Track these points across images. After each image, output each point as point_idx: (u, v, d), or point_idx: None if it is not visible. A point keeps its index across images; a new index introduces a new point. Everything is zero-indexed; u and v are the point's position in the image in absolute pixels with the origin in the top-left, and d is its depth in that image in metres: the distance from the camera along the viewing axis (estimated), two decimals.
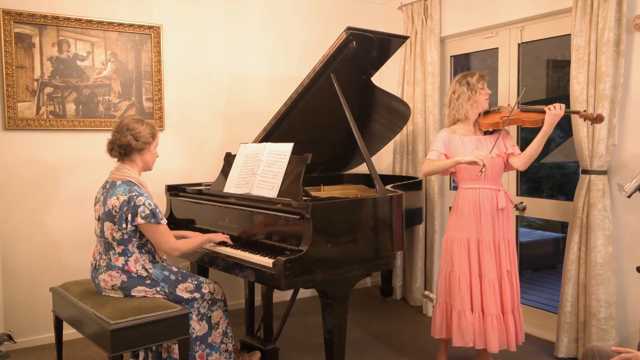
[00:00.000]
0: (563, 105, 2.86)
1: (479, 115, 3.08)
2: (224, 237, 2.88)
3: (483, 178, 2.97)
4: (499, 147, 3.01)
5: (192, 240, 2.81)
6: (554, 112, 2.84)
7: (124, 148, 2.65)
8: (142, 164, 2.73)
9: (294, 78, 3.81)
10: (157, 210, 2.59)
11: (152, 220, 2.54)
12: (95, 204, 2.72)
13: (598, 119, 2.90)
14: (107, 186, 2.67)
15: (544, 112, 2.92)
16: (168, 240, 2.63)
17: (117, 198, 2.55)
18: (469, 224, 3.01)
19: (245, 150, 3.15)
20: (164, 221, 2.60)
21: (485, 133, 3.11)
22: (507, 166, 3.09)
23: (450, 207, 4.29)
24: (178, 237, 2.80)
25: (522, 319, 3.10)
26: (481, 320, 2.96)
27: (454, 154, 3.01)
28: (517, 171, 3.78)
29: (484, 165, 2.80)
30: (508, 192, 3.10)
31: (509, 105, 3.10)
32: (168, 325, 2.48)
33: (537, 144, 2.94)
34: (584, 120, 3.03)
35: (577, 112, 2.96)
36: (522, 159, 3.00)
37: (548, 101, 4.44)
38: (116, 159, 2.72)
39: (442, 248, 3.16)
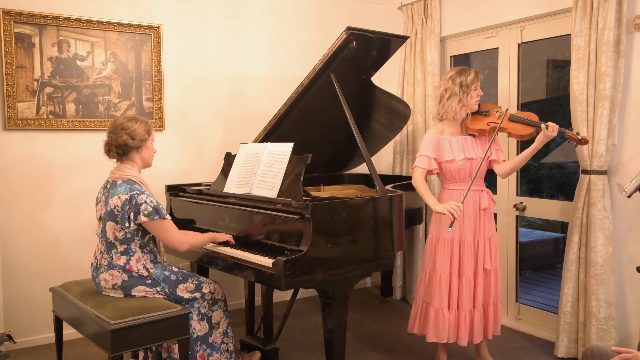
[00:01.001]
0: (556, 126, 2.83)
1: (467, 116, 3.07)
2: (228, 236, 2.88)
3: (466, 179, 2.99)
4: (483, 149, 3.02)
5: (200, 236, 2.81)
6: (548, 134, 2.82)
7: (121, 148, 2.65)
8: (141, 162, 2.73)
9: (294, 78, 3.82)
10: (160, 206, 2.58)
11: (156, 217, 2.54)
12: (96, 204, 2.71)
13: (583, 141, 2.89)
14: (108, 186, 2.67)
15: (532, 125, 2.90)
16: (175, 234, 2.63)
17: (119, 197, 2.54)
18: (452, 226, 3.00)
19: (245, 150, 3.15)
20: (168, 216, 2.60)
21: (470, 134, 3.10)
22: (489, 167, 3.10)
23: None
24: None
25: (499, 314, 3.15)
26: (456, 316, 3.03)
27: (442, 156, 3.02)
28: (518, 171, 3.78)
29: (454, 218, 2.79)
30: (490, 192, 3.11)
31: (497, 110, 3.03)
32: (168, 325, 2.48)
33: (523, 158, 2.94)
34: (568, 141, 2.98)
35: (564, 132, 2.90)
36: (505, 169, 3.02)
37: (548, 101, 4.45)
38: (115, 160, 2.72)
39: (426, 247, 3.18)
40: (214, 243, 2.89)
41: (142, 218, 2.52)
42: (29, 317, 3.55)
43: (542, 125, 2.83)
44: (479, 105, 3.08)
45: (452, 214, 2.80)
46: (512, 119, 2.97)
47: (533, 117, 2.95)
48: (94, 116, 3.71)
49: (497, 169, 3.05)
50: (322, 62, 3.00)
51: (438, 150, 3.02)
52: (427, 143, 3.04)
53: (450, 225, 2.80)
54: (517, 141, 3.77)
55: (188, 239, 2.70)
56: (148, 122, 2.75)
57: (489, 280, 3.07)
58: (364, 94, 3.50)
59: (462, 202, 2.86)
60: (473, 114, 3.07)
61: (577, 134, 2.91)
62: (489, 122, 3.01)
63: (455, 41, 4.26)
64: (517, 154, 3.76)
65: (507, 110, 2.98)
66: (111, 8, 3.72)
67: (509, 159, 3.06)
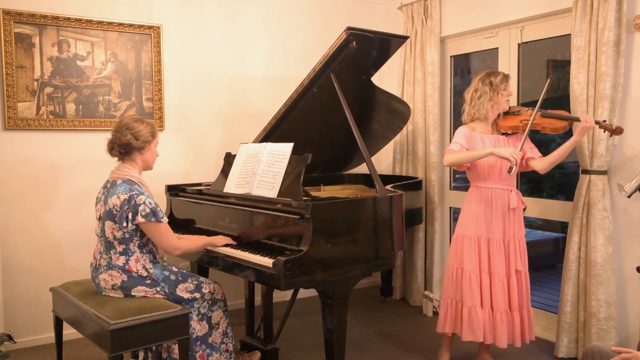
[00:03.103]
0: (592, 118, 2.87)
1: (498, 116, 3.08)
2: (226, 240, 2.87)
3: (497, 178, 3.00)
4: (515, 148, 3.02)
5: (194, 240, 2.81)
6: (587, 125, 2.84)
7: (124, 147, 2.66)
8: (143, 163, 2.74)
9: (294, 78, 3.82)
10: (158, 209, 2.59)
11: (153, 219, 2.54)
12: (96, 204, 2.72)
13: (618, 130, 2.91)
14: (108, 185, 2.67)
15: (566, 119, 2.93)
16: (169, 239, 2.63)
17: (118, 197, 2.55)
18: (480, 222, 3.03)
19: (245, 150, 3.15)
20: (165, 220, 2.60)
21: (503, 134, 3.11)
22: (522, 167, 3.11)
23: (450, 207, 4.32)
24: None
25: (532, 318, 3.13)
26: (491, 317, 3.01)
27: (474, 150, 3.01)
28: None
29: (515, 164, 2.81)
30: (520, 193, 3.11)
31: (529, 108, 3.06)
32: (168, 325, 2.48)
33: (563, 151, 2.95)
34: (604, 131, 3.02)
35: (598, 123, 2.93)
36: (545, 163, 3.01)
37: (548, 101, 4.44)
38: (117, 159, 2.73)
39: (452, 245, 3.17)
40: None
41: (140, 219, 2.53)
42: (29, 317, 3.55)
43: (582, 117, 2.87)
44: (509, 106, 3.11)
45: (515, 160, 2.80)
46: (545, 114, 2.99)
47: (564, 112, 2.99)
48: (94, 116, 3.71)
49: (536, 165, 3.03)
50: (322, 62, 3.00)
51: (470, 144, 3.02)
52: (460, 134, 3.04)
53: (510, 170, 2.83)
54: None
55: (181, 245, 2.68)
56: (154, 125, 2.78)
57: (522, 283, 3.06)
58: (364, 94, 3.50)
59: (520, 150, 2.87)
60: (504, 113, 3.09)
61: (610, 124, 2.94)
62: (521, 119, 3.02)
63: (455, 41, 4.26)
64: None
65: (537, 109, 2.98)
66: (111, 8, 3.72)
67: (547, 155, 3.05)
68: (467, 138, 3.03)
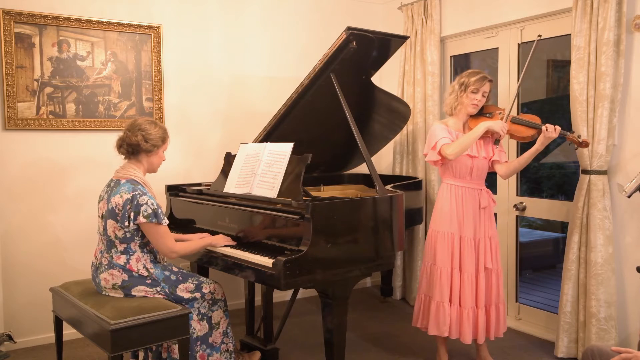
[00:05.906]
0: (558, 128, 2.87)
1: (470, 117, 3.10)
2: (226, 240, 2.87)
3: (467, 177, 3.04)
4: (486, 149, 3.07)
5: (191, 243, 2.80)
6: (548, 135, 2.86)
7: (132, 147, 2.67)
8: (148, 166, 2.75)
9: (294, 78, 3.82)
10: (160, 210, 2.59)
11: (154, 220, 2.55)
12: (99, 202, 2.72)
13: (584, 144, 2.92)
14: (112, 184, 2.68)
15: (534, 127, 2.95)
16: (167, 242, 2.63)
17: (121, 196, 2.55)
18: (452, 220, 3.05)
19: (245, 150, 3.15)
20: (165, 222, 2.60)
21: None
22: (489, 168, 3.13)
23: None
24: (179, 241, 2.79)
25: (505, 314, 3.16)
26: (459, 312, 3.04)
27: None
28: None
29: (501, 137, 2.90)
30: (490, 192, 3.14)
31: (500, 112, 3.07)
32: (168, 325, 2.48)
33: (525, 160, 2.99)
34: (569, 144, 3.00)
35: (565, 134, 2.93)
36: (506, 170, 3.06)
37: (548, 101, 4.44)
38: (123, 157, 2.74)
39: (426, 241, 3.20)
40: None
41: (141, 219, 2.53)
42: (29, 317, 3.55)
43: (542, 127, 2.88)
44: (483, 107, 3.11)
45: (504, 135, 2.94)
46: (515, 121, 3.01)
47: (535, 119, 3.00)
48: (94, 116, 3.71)
49: (499, 169, 3.08)
50: (322, 62, 3.00)
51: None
52: (440, 130, 3.04)
53: (497, 142, 2.95)
54: (518, 143, 3.77)
55: (178, 249, 2.68)
56: (166, 130, 2.79)
57: (491, 281, 3.09)
58: (364, 94, 3.50)
59: (505, 121, 2.98)
60: (476, 115, 3.10)
61: (578, 136, 2.95)
62: None
63: (455, 41, 4.26)
64: (517, 156, 3.77)
65: (509, 112, 3.00)
66: (111, 8, 3.72)
67: (510, 161, 3.09)
68: (447, 132, 3.04)
